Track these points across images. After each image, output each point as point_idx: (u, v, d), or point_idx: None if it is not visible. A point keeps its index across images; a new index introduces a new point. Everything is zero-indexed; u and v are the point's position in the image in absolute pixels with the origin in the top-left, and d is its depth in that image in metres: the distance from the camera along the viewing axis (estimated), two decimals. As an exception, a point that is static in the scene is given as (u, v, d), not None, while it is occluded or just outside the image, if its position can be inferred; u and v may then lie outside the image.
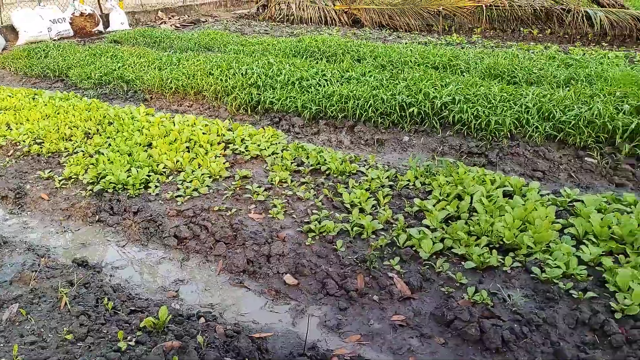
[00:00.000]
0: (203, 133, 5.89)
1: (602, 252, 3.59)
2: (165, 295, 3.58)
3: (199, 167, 5.19)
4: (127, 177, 4.90)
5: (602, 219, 3.87)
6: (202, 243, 4.09)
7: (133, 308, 3.31)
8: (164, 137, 5.82)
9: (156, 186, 4.88)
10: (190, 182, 4.90)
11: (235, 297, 3.55)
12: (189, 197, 4.70)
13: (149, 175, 5.03)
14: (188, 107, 7.64)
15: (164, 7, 16.74)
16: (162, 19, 15.95)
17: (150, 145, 5.72)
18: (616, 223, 3.82)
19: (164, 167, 5.18)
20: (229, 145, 5.77)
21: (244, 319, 3.33)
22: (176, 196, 4.71)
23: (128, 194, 4.76)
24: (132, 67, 8.92)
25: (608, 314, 3.07)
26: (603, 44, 11.21)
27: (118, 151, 5.45)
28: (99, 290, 3.47)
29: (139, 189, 4.83)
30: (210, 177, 5.04)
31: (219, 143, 5.78)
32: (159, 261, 3.99)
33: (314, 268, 3.70)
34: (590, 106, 5.64)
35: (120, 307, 3.30)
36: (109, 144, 5.72)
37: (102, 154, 5.45)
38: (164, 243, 4.16)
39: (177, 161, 5.25)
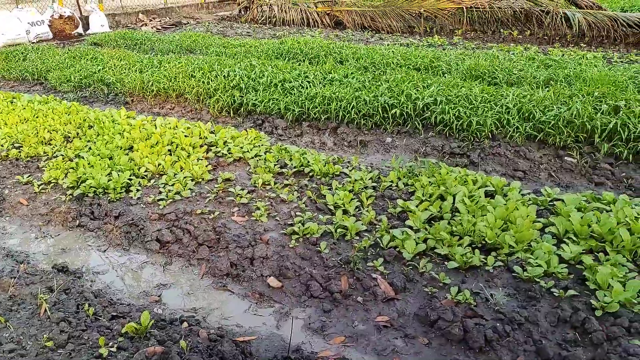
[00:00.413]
0: (185, 136, 5.85)
1: (583, 250, 3.64)
2: (147, 300, 3.54)
3: (181, 170, 5.15)
4: (108, 181, 4.84)
5: (582, 217, 3.92)
6: (185, 247, 4.05)
7: (115, 314, 3.26)
8: (146, 140, 5.76)
9: (138, 190, 4.83)
10: (173, 185, 4.86)
11: (218, 300, 3.52)
12: (171, 200, 4.66)
13: (130, 179, 4.97)
14: (170, 109, 7.58)
15: (144, 9, 16.60)
16: (142, 21, 15.81)
17: (131, 148, 5.66)
18: (596, 221, 3.87)
19: (145, 171, 5.13)
20: (212, 147, 5.74)
21: (227, 322, 3.30)
22: (158, 200, 4.66)
23: (109, 198, 4.70)
24: (112, 70, 8.83)
25: (589, 311, 3.10)
26: (581, 44, 11.38)
27: (98, 155, 5.38)
28: (80, 296, 3.42)
29: (120, 193, 4.78)
30: (192, 180, 5.01)
31: (201, 146, 5.74)
32: (141, 266, 3.95)
33: (297, 270, 3.69)
34: (570, 106, 5.72)
35: (101, 312, 3.25)
36: (89, 148, 5.65)
37: (82, 157, 5.38)
38: (146, 247, 4.11)
39: (159, 164, 5.20)
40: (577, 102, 5.79)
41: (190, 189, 4.84)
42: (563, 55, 9.48)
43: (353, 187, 4.78)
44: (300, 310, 3.38)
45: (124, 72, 8.61)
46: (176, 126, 6.20)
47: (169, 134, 5.83)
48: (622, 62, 9.28)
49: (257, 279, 3.66)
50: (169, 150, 5.59)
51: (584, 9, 12.49)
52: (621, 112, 5.58)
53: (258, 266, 3.76)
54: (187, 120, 6.83)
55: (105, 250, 4.15)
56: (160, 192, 4.80)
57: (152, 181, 5.02)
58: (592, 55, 9.36)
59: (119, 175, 4.95)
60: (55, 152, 5.72)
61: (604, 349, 2.80)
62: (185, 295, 3.59)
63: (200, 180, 5.03)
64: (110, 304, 3.42)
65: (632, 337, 2.86)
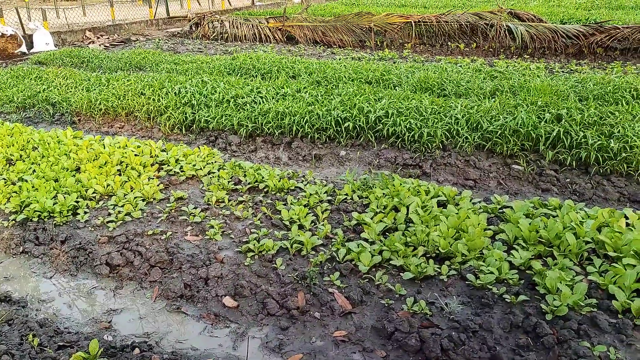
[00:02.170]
0: (135, 155, 5.71)
1: (532, 255, 3.74)
2: (97, 327, 3.40)
3: (132, 191, 5.01)
4: (54, 205, 4.66)
5: (530, 223, 4.03)
6: (136, 269, 3.93)
7: (62, 343, 3.12)
8: (93, 160, 5.59)
9: (85, 212, 4.67)
10: (122, 206, 4.73)
11: (172, 323, 3.42)
12: (121, 222, 4.52)
13: (77, 201, 4.80)
14: (119, 128, 7.40)
15: (92, 27, 16.23)
16: (90, 38, 15.45)
17: (78, 169, 5.48)
18: (543, 227, 3.99)
19: (93, 192, 4.97)
20: (163, 166, 5.63)
21: (182, 346, 3.21)
22: (107, 222, 4.52)
23: (55, 222, 4.52)
24: (58, 89, 8.55)
25: (539, 315, 3.18)
26: (525, 56, 11.83)
27: (43, 177, 5.18)
28: (24, 327, 3.26)
29: (66, 216, 4.60)
30: (143, 200, 4.88)
31: (152, 164, 5.62)
32: (90, 291, 3.79)
33: (253, 288, 3.63)
34: (515, 116, 5.91)
35: (47, 343, 3.10)
36: (34, 170, 5.43)
37: (26, 180, 5.15)
38: (95, 272, 3.96)
39: (108, 185, 5.05)
40: (521, 111, 6.00)
41: (141, 209, 4.71)
42: (508, 66, 9.81)
43: (308, 201, 4.77)
44: (257, 329, 3.32)
45: (70, 91, 8.35)
46: (126, 145, 6.05)
47: (118, 154, 5.68)
48: (563, 72, 9.70)
49: (212, 299, 3.58)
50: (119, 170, 5.44)
51: (525, 21, 13.00)
52: (563, 120, 5.82)
53: (213, 286, 3.68)
54: (138, 138, 6.69)
55: (51, 277, 3.97)
56: (109, 214, 4.65)
57: (101, 203, 4.86)
58: (535, 66, 9.74)
59: (65, 197, 4.77)
60: (-4, 176, 5.46)
61: (555, 352, 2.87)
62: (137, 320, 3.46)
63: (151, 199, 4.91)
64: (57, 333, 3.27)
65: (581, 339, 2.95)
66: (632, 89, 7.13)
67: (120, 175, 5.33)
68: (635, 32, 11.39)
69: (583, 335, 2.98)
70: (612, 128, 5.60)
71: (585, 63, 10.79)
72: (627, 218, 4.13)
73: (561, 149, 5.49)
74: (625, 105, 6.47)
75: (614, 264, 3.54)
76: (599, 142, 5.32)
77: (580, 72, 9.37)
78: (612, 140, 5.31)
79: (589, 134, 5.44)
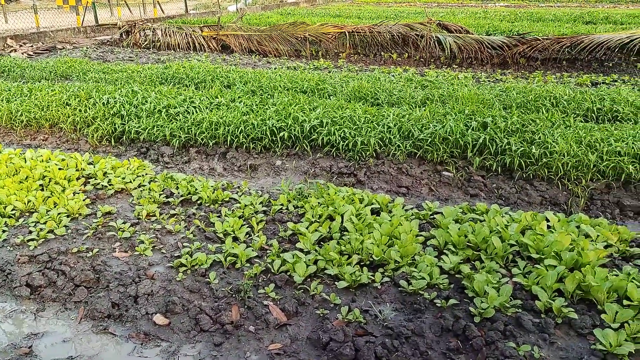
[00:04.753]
0: (59, 168, 5.45)
1: (461, 260, 3.85)
2: (15, 353, 3.19)
3: (55, 206, 4.77)
4: (-32, 224, 4.36)
5: (459, 228, 4.16)
6: (60, 290, 3.72)
7: (-25, 373, 2.90)
8: (13, 175, 5.28)
9: (4, 231, 4.40)
10: (45, 223, 4.48)
11: (99, 345, 3.26)
12: (43, 240, 4.29)
13: (-6, 220, 4.51)
14: (43, 140, 7.04)
15: (14, 34, 15.41)
16: (12, 46, 14.66)
17: (-4, 185, 5.15)
18: (471, 232, 4.12)
19: (12, 209, 4.68)
20: (90, 179, 5.40)
21: (109, 369, 3.07)
22: (28, 240, 4.27)
23: (-31, 243, 4.23)
24: (-26, 100, 8.02)
25: (468, 318, 3.28)
26: (454, 66, 12.27)
27: (-44, 194, 4.83)
28: None
29: (-18, 235, 4.32)
30: (68, 216, 4.65)
31: (78, 178, 5.38)
32: (8, 315, 3.56)
33: (186, 304, 3.53)
34: (444, 124, 6.10)
35: (-42, 374, 2.88)
36: (-55, 187, 5.06)
37: (-64, 198, 4.80)
38: (15, 294, 3.72)
39: (29, 201, 4.78)
40: (450, 120, 6.20)
41: (65, 226, 4.49)
42: (438, 76, 10.13)
43: (243, 212, 4.71)
44: (190, 346, 3.23)
45: (-11, 102, 7.86)
46: (49, 158, 5.76)
47: (40, 167, 5.39)
48: (489, 81, 10.13)
49: (142, 318, 3.45)
50: (41, 185, 5.16)
51: (454, 33, 13.49)
52: (489, 127, 6.05)
53: (143, 304, 3.55)
54: (63, 151, 6.38)
55: (-36, 302, 3.70)
56: (30, 232, 4.40)
57: (21, 220, 4.59)
58: (463, 76, 10.11)
59: (-20, 216, 4.47)
60: None
61: (484, 353, 2.96)
62: (61, 344, 3.28)
63: (77, 215, 4.69)
64: (-30, 362, 3.04)
65: (507, 340, 3.06)
66: (552, 97, 7.54)
67: (42, 190, 5.06)
68: (554, 43, 12.08)
69: (509, 336, 3.09)
70: (533, 135, 5.88)
71: (509, 73, 11.32)
72: (548, 221, 4.35)
73: (487, 156, 5.71)
74: (546, 113, 6.83)
75: (536, 266, 3.70)
76: (522, 148, 5.58)
77: (505, 82, 9.81)
78: (533, 147, 5.58)
79: (512, 140, 5.69)
